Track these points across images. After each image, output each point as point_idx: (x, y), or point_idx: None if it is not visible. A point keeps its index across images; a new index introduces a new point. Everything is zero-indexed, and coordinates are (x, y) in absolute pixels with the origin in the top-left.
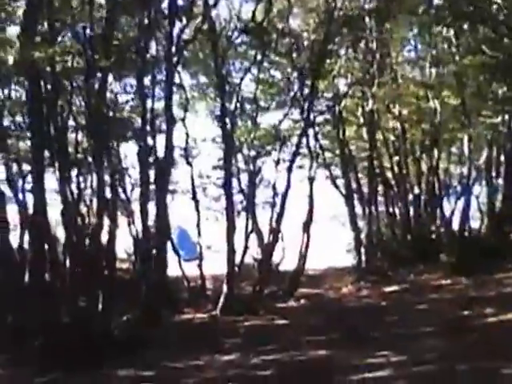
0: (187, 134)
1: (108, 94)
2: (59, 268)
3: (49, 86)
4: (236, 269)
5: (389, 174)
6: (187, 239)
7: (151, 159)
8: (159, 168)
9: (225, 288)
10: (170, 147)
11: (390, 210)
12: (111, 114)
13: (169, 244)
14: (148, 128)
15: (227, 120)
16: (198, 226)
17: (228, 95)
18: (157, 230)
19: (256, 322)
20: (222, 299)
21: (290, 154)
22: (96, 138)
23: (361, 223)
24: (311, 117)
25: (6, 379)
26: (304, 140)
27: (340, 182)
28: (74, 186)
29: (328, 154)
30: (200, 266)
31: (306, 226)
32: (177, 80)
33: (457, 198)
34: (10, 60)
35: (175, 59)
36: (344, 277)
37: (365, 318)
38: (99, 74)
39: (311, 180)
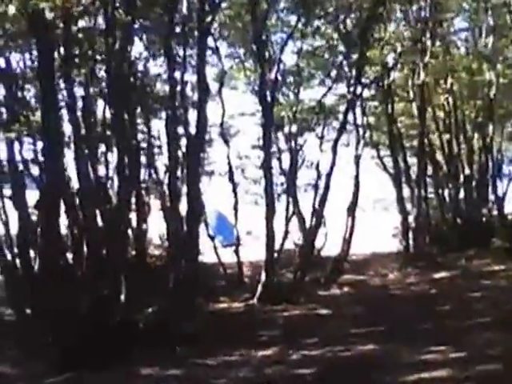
0: (223, 110)
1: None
2: (79, 253)
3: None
4: (276, 255)
5: (438, 154)
6: (226, 224)
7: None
8: (191, 144)
9: (263, 275)
10: (202, 121)
11: (440, 191)
12: (138, 83)
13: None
14: (178, 98)
15: (267, 93)
16: (235, 209)
17: (268, 66)
18: (188, 212)
19: (296, 312)
20: (259, 287)
21: (335, 130)
22: (117, 108)
23: (408, 206)
24: (358, 89)
25: (16, 378)
26: (350, 116)
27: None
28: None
29: (375, 132)
30: (237, 251)
31: (351, 210)
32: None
33: (510, 179)
34: (12, 10)
35: (209, 19)
36: (390, 263)
37: (414, 307)
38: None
39: (357, 159)
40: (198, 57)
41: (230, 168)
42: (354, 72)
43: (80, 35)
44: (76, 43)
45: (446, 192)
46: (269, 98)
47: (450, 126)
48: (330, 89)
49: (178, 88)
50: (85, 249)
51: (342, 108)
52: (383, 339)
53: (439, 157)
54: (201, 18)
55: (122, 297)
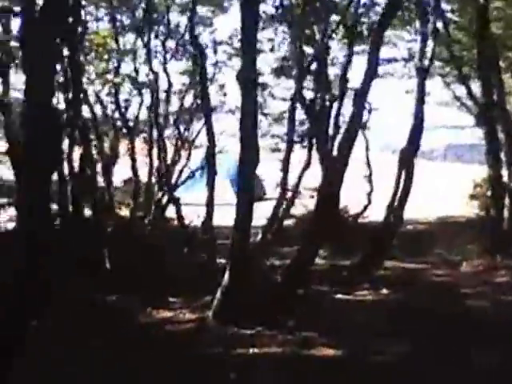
0: None
1: None
2: None
3: None
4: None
5: None
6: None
7: None
8: None
9: (226, 276)
10: None
11: None
12: None
13: None
14: None
15: None
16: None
17: None
18: None
19: (272, 350)
20: (218, 295)
21: None
22: None
23: None
24: None
25: None
26: None
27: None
28: None
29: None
30: (209, 216)
31: (409, 155)
32: None
33: None
34: None
35: None
36: (464, 240)
37: None
38: None
39: (424, 74)
40: None
41: None
42: None
43: None
44: None
45: None
46: None
47: None
48: None
49: None
50: None
51: None
52: None
53: None
54: None
55: None
